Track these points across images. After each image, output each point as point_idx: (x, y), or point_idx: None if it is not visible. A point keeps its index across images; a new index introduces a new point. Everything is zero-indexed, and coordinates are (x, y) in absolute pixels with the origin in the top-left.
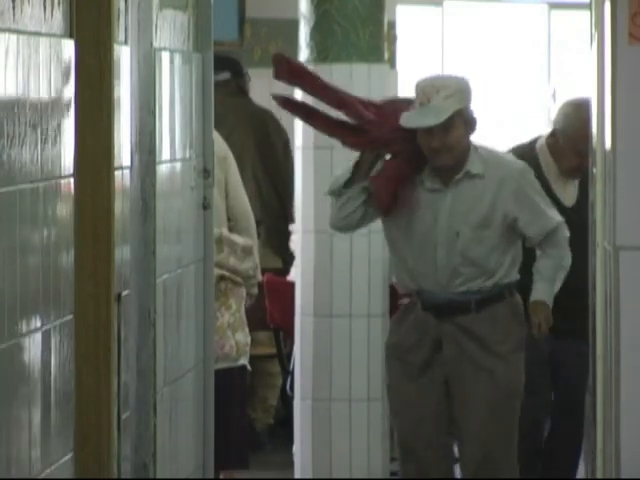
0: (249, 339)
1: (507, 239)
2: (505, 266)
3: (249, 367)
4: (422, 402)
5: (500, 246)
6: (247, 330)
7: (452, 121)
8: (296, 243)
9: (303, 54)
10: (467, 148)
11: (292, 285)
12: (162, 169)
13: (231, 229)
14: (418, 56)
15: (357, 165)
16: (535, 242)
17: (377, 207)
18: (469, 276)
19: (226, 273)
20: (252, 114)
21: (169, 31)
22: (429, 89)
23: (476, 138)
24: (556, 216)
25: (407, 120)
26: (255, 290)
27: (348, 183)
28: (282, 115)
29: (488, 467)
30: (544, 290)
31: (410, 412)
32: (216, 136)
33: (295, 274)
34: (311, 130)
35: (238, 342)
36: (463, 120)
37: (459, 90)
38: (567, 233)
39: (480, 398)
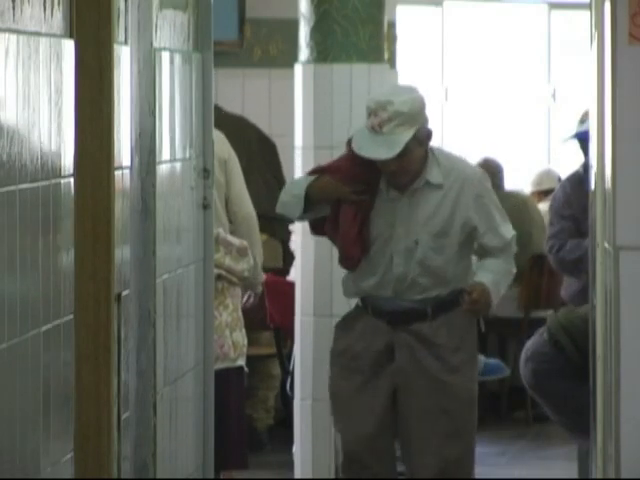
0: (246, 340)
1: (465, 248)
2: (462, 275)
3: (246, 368)
4: (369, 411)
5: (457, 255)
6: (244, 330)
7: (406, 147)
8: (296, 243)
9: (303, 54)
10: (425, 160)
11: (292, 285)
12: (162, 169)
13: (232, 232)
14: (418, 56)
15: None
16: (490, 253)
17: (347, 268)
18: (426, 286)
19: (223, 272)
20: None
21: (169, 31)
22: (381, 113)
23: (477, 139)
24: (510, 231)
25: (360, 147)
26: (259, 289)
27: (301, 208)
28: (281, 114)
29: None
30: (487, 278)
31: (356, 421)
32: (220, 138)
33: (295, 274)
34: (311, 130)
35: (236, 342)
36: (418, 141)
37: (412, 115)
38: (515, 248)
39: (435, 410)
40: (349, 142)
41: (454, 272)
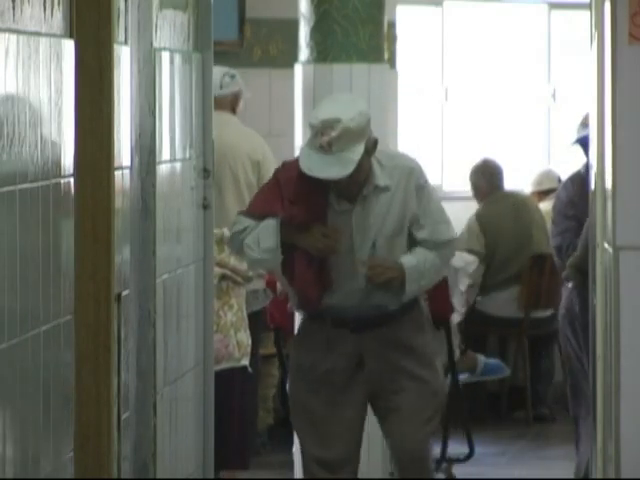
0: (250, 340)
1: (414, 241)
2: None
3: (250, 369)
4: (343, 423)
5: (409, 250)
6: (248, 330)
7: (357, 163)
8: None
9: (303, 54)
10: (370, 168)
11: None
12: (162, 169)
13: None
14: (418, 56)
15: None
16: (425, 246)
17: (307, 311)
18: (388, 288)
19: (228, 272)
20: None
21: (169, 31)
22: (329, 132)
23: (477, 139)
24: (450, 232)
25: (309, 168)
26: None
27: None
28: (281, 114)
29: (417, 467)
30: (407, 260)
31: (330, 433)
32: (254, 139)
33: None
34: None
35: (240, 342)
36: (366, 153)
37: (360, 130)
38: (454, 253)
39: (417, 407)
40: (286, 166)
41: None
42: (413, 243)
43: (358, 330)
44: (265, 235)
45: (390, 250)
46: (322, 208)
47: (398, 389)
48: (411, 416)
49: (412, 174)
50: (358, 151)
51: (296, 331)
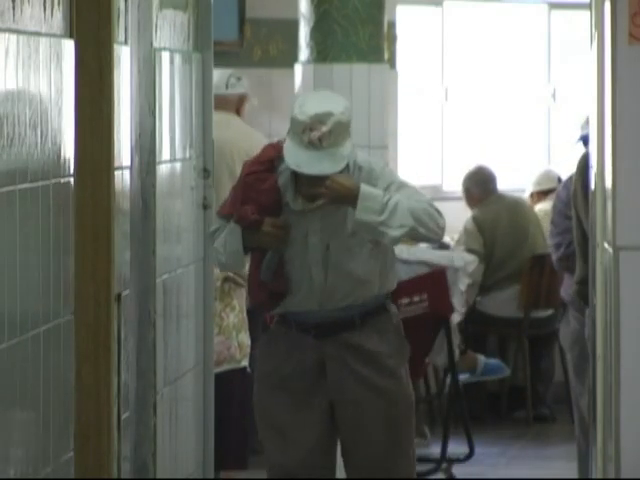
0: (249, 341)
1: (378, 245)
2: (381, 276)
3: (249, 369)
4: (307, 432)
5: (371, 255)
6: (248, 332)
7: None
8: None
9: (303, 54)
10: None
11: None
12: (162, 169)
13: None
14: (418, 56)
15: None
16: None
17: (265, 309)
18: (347, 291)
19: (230, 274)
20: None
21: (169, 31)
22: (319, 127)
23: (477, 139)
24: (424, 198)
25: (298, 164)
26: None
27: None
28: (281, 114)
29: None
30: (369, 188)
31: (295, 442)
32: (249, 134)
33: None
34: None
35: (241, 343)
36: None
37: (349, 123)
38: (441, 222)
39: (375, 418)
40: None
41: (371, 272)
42: (376, 245)
43: (320, 336)
44: (230, 238)
45: (347, 252)
46: (275, 207)
47: (355, 398)
48: (370, 433)
49: (372, 174)
50: (347, 146)
51: (262, 339)
